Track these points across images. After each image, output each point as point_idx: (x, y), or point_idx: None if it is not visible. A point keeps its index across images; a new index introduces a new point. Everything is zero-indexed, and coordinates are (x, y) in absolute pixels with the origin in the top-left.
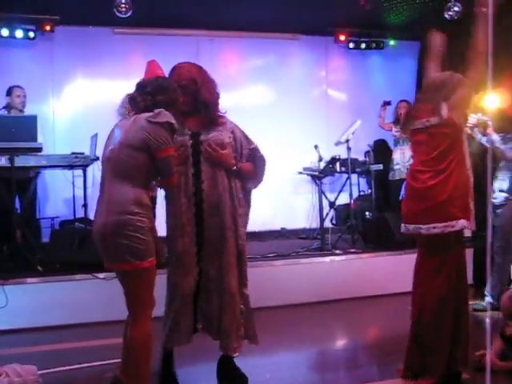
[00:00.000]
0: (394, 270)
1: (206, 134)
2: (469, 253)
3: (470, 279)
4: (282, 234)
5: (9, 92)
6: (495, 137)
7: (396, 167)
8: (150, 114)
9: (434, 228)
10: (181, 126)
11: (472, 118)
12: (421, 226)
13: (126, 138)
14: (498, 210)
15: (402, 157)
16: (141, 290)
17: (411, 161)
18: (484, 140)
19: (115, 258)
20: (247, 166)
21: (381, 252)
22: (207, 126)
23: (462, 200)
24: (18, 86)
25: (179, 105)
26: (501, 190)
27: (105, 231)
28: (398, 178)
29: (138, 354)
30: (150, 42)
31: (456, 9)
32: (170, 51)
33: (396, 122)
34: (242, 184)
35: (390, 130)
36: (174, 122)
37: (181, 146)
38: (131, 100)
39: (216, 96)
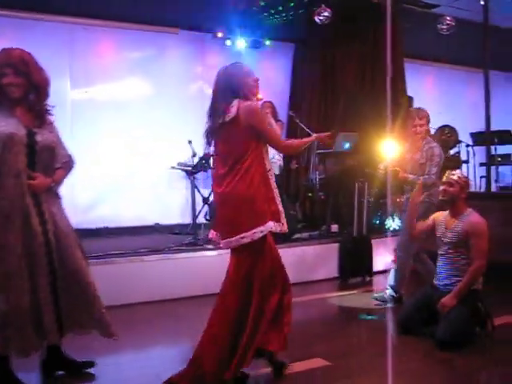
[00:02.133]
0: None
1: (40, 134)
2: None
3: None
4: (156, 229)
5: None
6: (411, 177)
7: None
8: None
9: (243, 238)
10: (7, 112)
11: (380, 170)
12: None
13: None
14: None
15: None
16: None
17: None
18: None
19: None
20: (60, 175)
21: None
22: (37, 120)
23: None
24: None
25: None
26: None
27: None
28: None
29: None
30: (19, 26)
31: (326, 14)
32: (42, 37)
33: None
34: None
35: None
36: None
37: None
38: None
39: (46, 83)
